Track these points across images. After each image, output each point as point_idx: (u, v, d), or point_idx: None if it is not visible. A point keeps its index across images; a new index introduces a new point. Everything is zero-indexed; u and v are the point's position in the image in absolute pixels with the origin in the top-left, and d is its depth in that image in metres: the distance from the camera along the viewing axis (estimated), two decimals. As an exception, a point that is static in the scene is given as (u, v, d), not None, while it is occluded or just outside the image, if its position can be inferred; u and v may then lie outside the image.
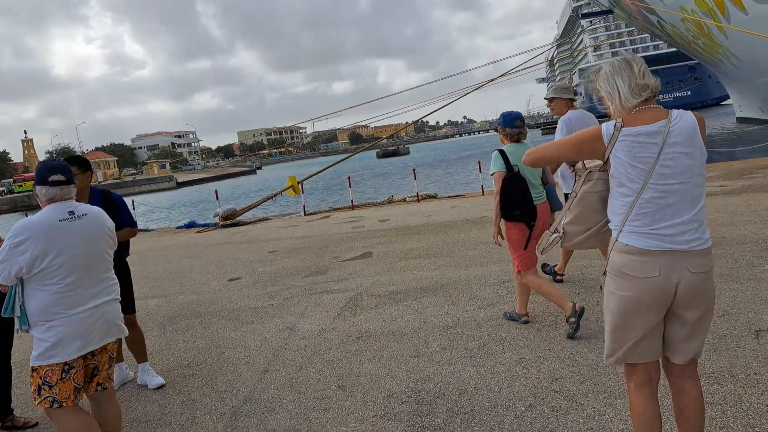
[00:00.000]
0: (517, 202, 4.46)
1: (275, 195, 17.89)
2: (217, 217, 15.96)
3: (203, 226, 16.30)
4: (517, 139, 4.66)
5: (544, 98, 5.97)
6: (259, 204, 18.01)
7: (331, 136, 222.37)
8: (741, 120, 48.53)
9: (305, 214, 16.29)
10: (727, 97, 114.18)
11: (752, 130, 37.87)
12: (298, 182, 17.27)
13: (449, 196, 15.89)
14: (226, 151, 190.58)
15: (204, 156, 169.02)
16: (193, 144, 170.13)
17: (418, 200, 15.66)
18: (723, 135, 37.52)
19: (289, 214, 17.57)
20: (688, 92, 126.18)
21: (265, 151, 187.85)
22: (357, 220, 13.56)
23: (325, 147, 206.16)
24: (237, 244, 12.05)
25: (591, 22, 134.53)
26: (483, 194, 15.01)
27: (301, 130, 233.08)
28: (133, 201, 18.90)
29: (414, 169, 16.15)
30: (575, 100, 5.64)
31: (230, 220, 15.41)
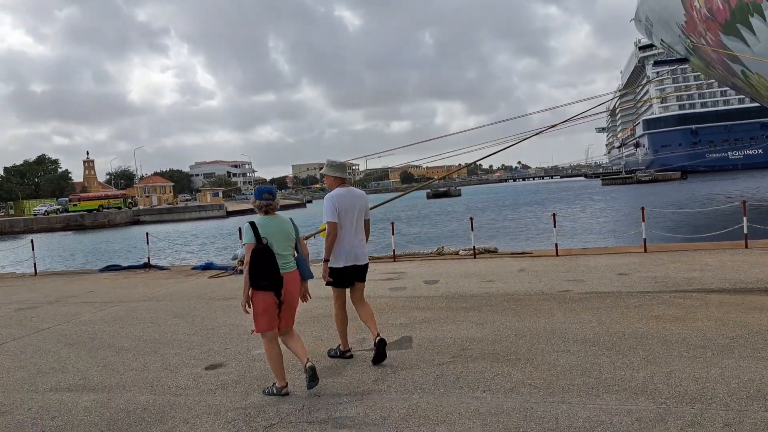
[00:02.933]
0: (264, 272, 4.71)
1: (307, 238, 15.44)
2: (236, 260, 13.61)
3: (220, 269, 13.97)
4: (266, 211, 4.91)
5: (319, 173, 5.05)
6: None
7: (382, 174, 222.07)
8: (830, 182, 43.89)
9: (339, 263, 13.74)
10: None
11: None
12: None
13: (513, 254, 13.06)
14: (279, 183, 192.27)
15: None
16: (248, 174, 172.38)
17: (474, 255, 12.91)
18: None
19: (320, 260, 15.05)
20: (760, 150, 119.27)
21: (317, 185, 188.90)
22: (397, 277, 10.89)
23: (376, 185, 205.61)
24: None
25: (658, 73, 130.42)
26: (557, 255, 12.13)
27: (354, 167, 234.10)
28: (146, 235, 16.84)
29: (471, 218, 13.43)
30: (346, 179, 5.77)
31: (249, 264, 12.98)
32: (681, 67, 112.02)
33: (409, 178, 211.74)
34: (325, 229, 15.18)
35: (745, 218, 11.04)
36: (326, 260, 5.62)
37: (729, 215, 14.91)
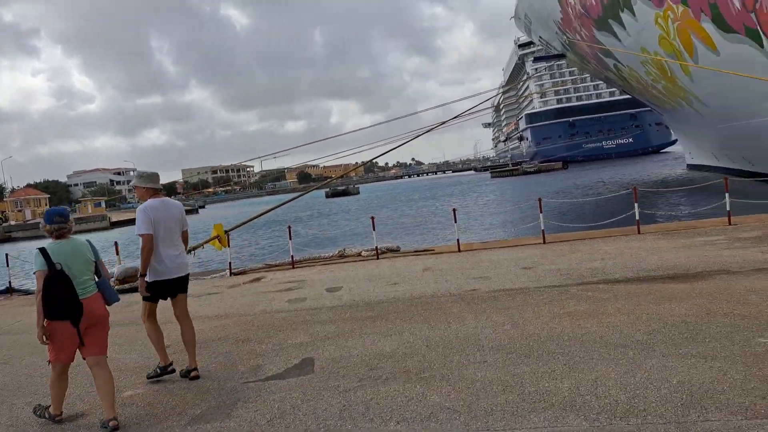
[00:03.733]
0: (59, 300, 4.50)
1: (195, 248, 14.21)
2: (113, 279, 12.17)
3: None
4: (59, 235, 4.66)
5: (130, 185, 6.19)
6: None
7: (279, 174, 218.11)
8: (692, 167, 48.00)
9: (231, 274, 12.71)
10: (668, 144, 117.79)
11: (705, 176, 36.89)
12: (226, 232, 13.72)
13: (416, 251, 12.66)
14: (168, 189, 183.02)
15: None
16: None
17: (378, 256, 12.38)
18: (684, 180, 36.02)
19: (211, 272, 13.92)
20: (630, 139, 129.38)
21: (209, 190, 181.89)
22: (297, 286, 10.09)
23: (272, 186, 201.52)
24: (121, 326, 8.30)
25: (537, 69, 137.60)
26: (459, 250, 11.86)
27: (248, 169, 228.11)
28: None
29: (373, 218, 12.86)
30: (160, 190, 5.67)
31: (129, 283, 11.60)
32: (558, 63, 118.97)
33: (306, 178, 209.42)
34: (217, 237, 13.98)
35: (636, 204, 11.31)
36: (143, 274, 5.43)
37: (618, 202, 15.45)
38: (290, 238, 12.79)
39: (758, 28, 19.34)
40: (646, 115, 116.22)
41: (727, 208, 10.84)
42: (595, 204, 21.18)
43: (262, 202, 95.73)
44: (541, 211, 11.76)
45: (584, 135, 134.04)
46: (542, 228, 11.68)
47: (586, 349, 5.01)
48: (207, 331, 7.49)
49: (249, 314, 8.31)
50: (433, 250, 12.73)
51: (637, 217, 11.27)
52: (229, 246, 13.17)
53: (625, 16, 28.50)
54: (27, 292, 13.79)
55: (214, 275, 12.89)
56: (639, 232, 11.08)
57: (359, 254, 13.01)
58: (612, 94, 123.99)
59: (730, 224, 10.68)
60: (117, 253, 13.61)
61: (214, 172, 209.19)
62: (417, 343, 5.83)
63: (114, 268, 12.41)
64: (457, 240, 12.03)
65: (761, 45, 19.67)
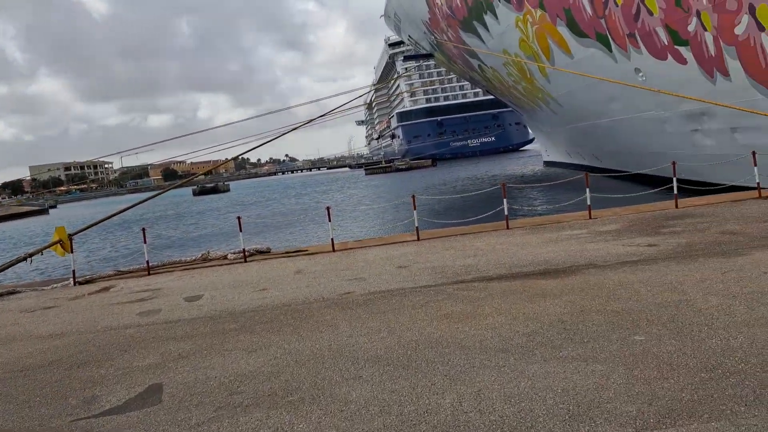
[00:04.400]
0: None
1: (33, 255, 12.38)
2: None
3: None
4: None
5: None
6: (4, 268, 12.32)
7: (141, 171, 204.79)
8: (548, 164, 51.57)
9: (75, 283, 11.20)
10: (527, 142, 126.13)
11: (561, 173, 39.74)
12: (70, 235, 12.12)
13: (287, 253, 11.96)
14: (13, 188, 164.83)
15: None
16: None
17: (245, 259, 11.51)
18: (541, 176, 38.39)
19: (53, 281, 12.22)
20: (493, 138, 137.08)
21: (62, 188, 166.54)
22: (151, 296, 9.00)
23: (134, 184, 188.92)
24: None
25: (406, 69, 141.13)
26: (334, 250, 11.34)
27: (107, 165, 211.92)
28: None
29: (239, 218, 11.94)
30: None
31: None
32: (426, 63, 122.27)
33: (172, 175, 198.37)
34: (57, 242, 12.33)
35: (505, 200, 11.47)
36: None
37: (487, 198, 15.79)
38: (145, 242, 11.51)
39: (607, 33, 20.80)
40: (507, 115, 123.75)
41: (588, 203, 11.33)
42: (463, 201, 21.67)
43: (122, 201, 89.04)
44: (414, 208, 11.58)
45: (451, 134, 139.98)
46: (416, 225, 11.50)
47: (466, 355, 4.69)
48: (35, 355, 6.31)
49: (91, 331, 7.18)
50: (307, 250, 12.11)
51: (506, 213, 11.44)
52: (72, 251, 11.61)
53: (488, 18, 29.64)
54: None
55: (55, 285, 11.29)
56: (508, 227, 11.26)
57: (225, 257, 12.06)
58: (476, 94, 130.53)
59: (590, 218, 11.17)
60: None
61: (68, 169, 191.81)
62: (285, 358, 5.21)
63: None
64: (332, 239, 11.51)
65: (610, 49, 21.19)
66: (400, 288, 7.45)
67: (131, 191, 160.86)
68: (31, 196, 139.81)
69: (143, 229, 11.84)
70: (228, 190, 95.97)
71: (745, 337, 4.37)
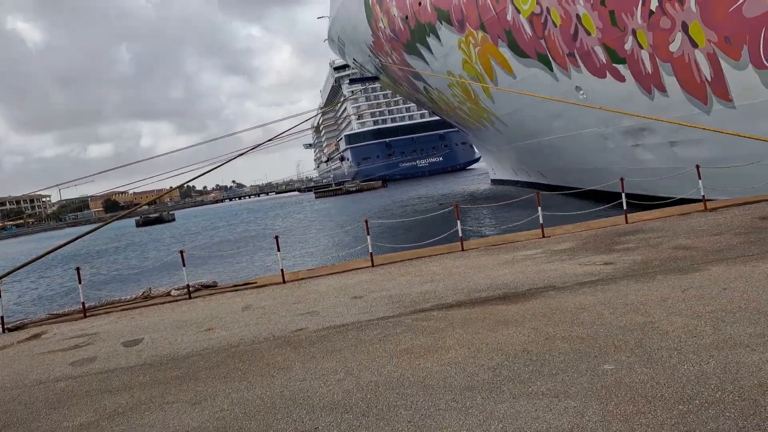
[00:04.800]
0: None
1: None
2: None
3: None
4: None
5: None
6: None
7: (81, 204, 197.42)
8: (495, 182, 52.39)
9: (4, 330, 10.31)
10: (473, 161, 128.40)
11: (508, 190, 40.37)
12: (-4, 278, 11.21)
13: (235, 286, 11.39)
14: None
15: None
16: None
17: (189, 295, 10.89)
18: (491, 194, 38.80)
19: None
20: (440, 158, 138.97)
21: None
22: (86, 342, 8.30)
23: (74, 217, 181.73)
24: None
25: (353, 92, 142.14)
26: (284, 281, 10.86)
27: (44, 199, 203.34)
28: None
29: (182, 252, 11.32)
30: None
31: None
32: (372, 86, 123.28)
33: (114, 206, 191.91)
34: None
35: (458, 221, 11.29)
36: None
37: (440, 220, 15.63)
38: (80, 281, 10.72)
39: (548, 53, 21.25)
40: (453, 135, 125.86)
41: (540, 221, 11.28)
42: (416, 223, 21.49)
43: (61, 236, 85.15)
44: (368, 233, 11.25)
45: (400, 154, 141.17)
46: (370, 251, 11.17)
47: (430, 396, 4.36)
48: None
49: (17, 387, 6.49)
50: (255, 282, 11.58)
51: (460, 234, 11.26)
52: (0, 296, 10.72)
53: (431, 40, 29.98)
54: None
55: (-20, 334, 10.35)
56: (463, 249, 11.07)
57: (168, 293, 11.39)
58: (423, 115, 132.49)
59: (543, 236, 11.11)
60: None
61: (2, 204, 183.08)
62: (233, 410, 4.75)
63: None
64: (281, 270, 11.03)
65: (551, 68, 21.65)
66: (356, 321, 7.07)
67: (70, 225, 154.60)
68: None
69: (77, 269, 11.05)
70: (173, 220, 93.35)
71: (716, 361, 4.21)
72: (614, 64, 18.59)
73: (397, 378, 4.89)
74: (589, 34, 19.04)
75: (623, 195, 11.54)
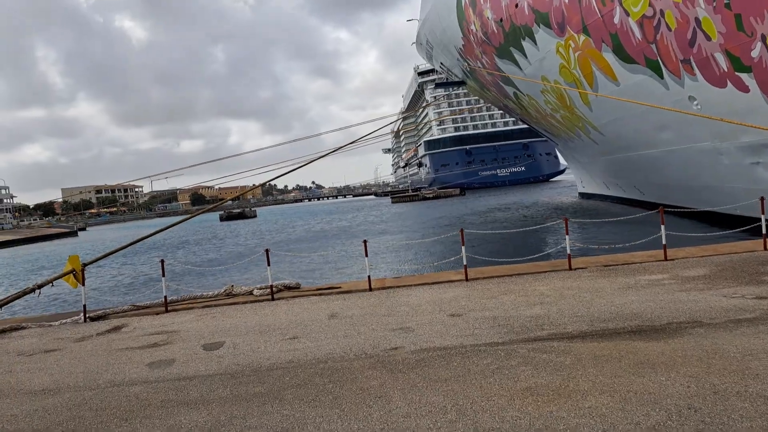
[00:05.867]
0: None
1: (42, 285, 11.41)
2: None
3: None
4: None
5: None
6: (11, 300, 11.34)
7: (171, 196, 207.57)
8: (583, 195, 49.80)
9: (86, 319, 10.14)
10: (558, 173, 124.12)
11: (597, 205, 38.00)
12: (84, 265, 11.14)
13: (319, 289, 10.75)
14: (45, 209, 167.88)
15: (17, 214, 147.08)
16: (5, 200, 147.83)
17: (272, 296, 10.34)
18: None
19: (64, 315, 11.19)
20: (523, 168, 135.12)
21: (93, 210, 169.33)
22: (165, 341, 7.85)
23: (163, 207, 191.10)
24: None
25: (435, 97, 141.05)
26: (371, 289, 10.10)
27: (137, 189, 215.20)
28: None
29: (267, 251, 10.79)
30: None
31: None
32: (455, 91, 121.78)
33: (200, 200, 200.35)
34: (70, 272, 11.37)
35: (567, 237, 10.13)
36: None
37: (542, 233, 14.43)
38: (163, 274, 10.40)
39: (659, 59, 19.50)
40: (538, 145, 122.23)
41: (663, 242, 9.92)
42: (518, 235, 20.10)
43: (150, 225, 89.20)
44: (463, 244, 10.30)
45: (480, 162, 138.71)
46: (465, 263, 10.21)
47: (576, 462, 3.39)
48: (20, 420, 5.19)
49: (90, 387, 6.04)
50: (340, 287, 10.90)
51: (568, 251, 10.08)
52: (83, 284, 10.60)
53: (526, 44, 28.58)
54: None
55: (65, 320, 10.25)
56: (570, 268, 9.89)
57: (251, 293, 10.91)
58: (506, 123, 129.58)
59: (666, 259, 9.75)
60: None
61: (98, 191, 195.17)
62: (326, 449, 3.97)
63: None
64: (368, 277, 10.27)
65: (661, 75, 19.87)
66: (459, 345, 6.16)
67: (159, 215, 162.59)
68: (60, 218, 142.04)
69: (162, 262, 10.77)
70: (255, 216, 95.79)
71: None
72: (737, 73, 16.71)
73: (525, 428, 3.94)
74: (709, 39, 17.23)
75: (763, 218, 9.97)
